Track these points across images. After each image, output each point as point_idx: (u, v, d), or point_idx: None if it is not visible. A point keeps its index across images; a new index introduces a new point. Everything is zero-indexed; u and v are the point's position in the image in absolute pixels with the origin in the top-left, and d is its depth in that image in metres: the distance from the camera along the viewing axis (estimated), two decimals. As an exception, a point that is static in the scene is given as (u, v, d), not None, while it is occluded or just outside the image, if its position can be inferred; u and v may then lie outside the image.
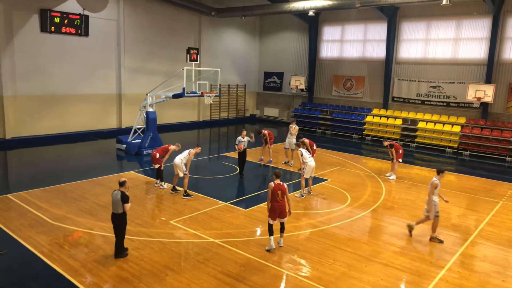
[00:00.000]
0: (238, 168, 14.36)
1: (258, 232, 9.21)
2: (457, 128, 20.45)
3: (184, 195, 11.40)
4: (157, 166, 12.23)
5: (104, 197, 11.00)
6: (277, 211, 8.36)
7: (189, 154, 11.45)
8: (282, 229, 8.60)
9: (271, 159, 16.12)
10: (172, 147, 12.23)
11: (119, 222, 7.70)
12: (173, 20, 23.40)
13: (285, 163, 15.88)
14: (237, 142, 13.85)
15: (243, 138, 13.89)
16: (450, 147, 20.37)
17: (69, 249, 8.08)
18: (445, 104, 21.50)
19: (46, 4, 17.85)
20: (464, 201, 12.40)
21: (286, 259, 8.03)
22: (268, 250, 8.29)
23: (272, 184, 8.39)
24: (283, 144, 16.37)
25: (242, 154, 14.04)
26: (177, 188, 11.75)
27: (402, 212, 11.04)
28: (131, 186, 10.31)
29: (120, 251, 7.82)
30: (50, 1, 17.97)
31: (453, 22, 20.92)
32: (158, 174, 12.36)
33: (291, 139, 15.59)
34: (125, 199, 7.57)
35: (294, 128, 15.70)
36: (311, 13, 21.15)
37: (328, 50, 25.94)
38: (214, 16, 24.28)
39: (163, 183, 12.28)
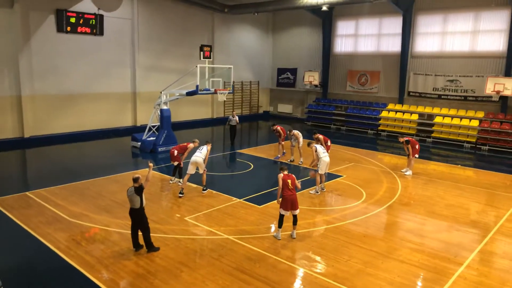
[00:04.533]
0: (230, 139, 18.88)
1: (273, 229, 9.19)
2: (475, 123, 20.01)
3: (203, 190, 11.55)
4: (176, 163, 12.28)
5: (120, 195, 11.11)
6: (289, 201, 8.52)
7: (207, 151, 11.58)
8: (295, 222, 8.73)
9: (278, 156, 16.08)
10: (191, 145, 12.19)
11: (139, 216, 7.79)
12: (186, 17, 23.47)
13: (291, 161, 15.60)
14: (228, 120, 18.82)
15: (233, 117, 18.66)
16: (468, 142, 19.96)
17: (86, 245, 8.21)
18: (462, 98, 21.05)
19: (62, 5, 18.11)
20: (483, 197, 12.14)
21: (301, 256, 7.99)
22: (275, 237, 8.71)
23: (281, 174, 8.73)
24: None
25: (233, 129, 18.71)
26: (183, 192, 11.42)
27: (419, 208, 10.87)
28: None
29: (151, 244, 7.93)
30: (66, 2, 18.22)
31: (470, 14, 20.43)
32: (176, 171, 12.41)
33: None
34: (139, 189, 7.65)
35: (296, 134, 15.13)
36: (324, 8, 20.95)
37: (342, 45, 25.66)
38: (226, 13, 24.27)
39: (181, 180, 12.21)
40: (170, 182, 12.54)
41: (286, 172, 8.82)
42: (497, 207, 11.15)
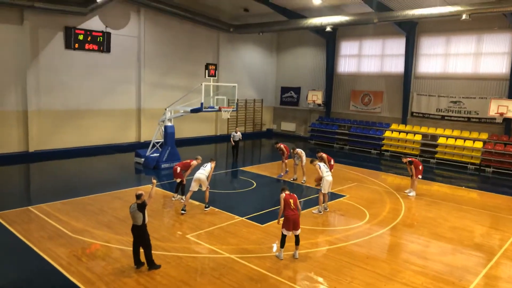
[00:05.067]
0: (233, 156, 19.42)
1: (274, 248, 9.11)
2: (479, 144, 19.97)
3: (206, 207, 11.53)
4: (178, 180, 12.27)
5: (122, 211, 11.09)
6: (291, 221, 8.47)
7: (211, 168, 11.60)
8: (297, 242, 8.67)
9: (281, 174, 16.05)
10: (194, 162, 12.18)
11: (141, 233, 7.76)
12: (192, 36, 23.83)
13: (294, 179, 15.57)
14: (232, 136, 19.20)
15: (236, 133, 19.12)
16: (472, 164, 19.87)
17: (86, 261, 8.16)
18: (466, 119, 21.08)
19: (70, 22, 18.47)
20: (487, 219, 12.02)
21: (303, 276, 7.90)
22: (277, 257, 8.59)
23: (283, 194, 8.73)
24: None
25: (236, 145, 19.16)
26: (186, 209, 11.41)
27: (422, 230, 10.77)
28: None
29: (152, 262, 7.88)
30: (75, 19, 18.58)
31: (473, 36, 20.64)
32: (179, 188, 12.39)
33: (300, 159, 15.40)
34: (142, 206, 7.64)
35: (300, 152, 15.21)
36: (328, 28, 21.26)
37: (346, 65, 25.91)
38: (232, 32, 24.64)
39: (184, 197, 12.16)
40: (173, 199, 12.52)
41: (288, 192, 8.83)
42: (502, 230, 11.03)
